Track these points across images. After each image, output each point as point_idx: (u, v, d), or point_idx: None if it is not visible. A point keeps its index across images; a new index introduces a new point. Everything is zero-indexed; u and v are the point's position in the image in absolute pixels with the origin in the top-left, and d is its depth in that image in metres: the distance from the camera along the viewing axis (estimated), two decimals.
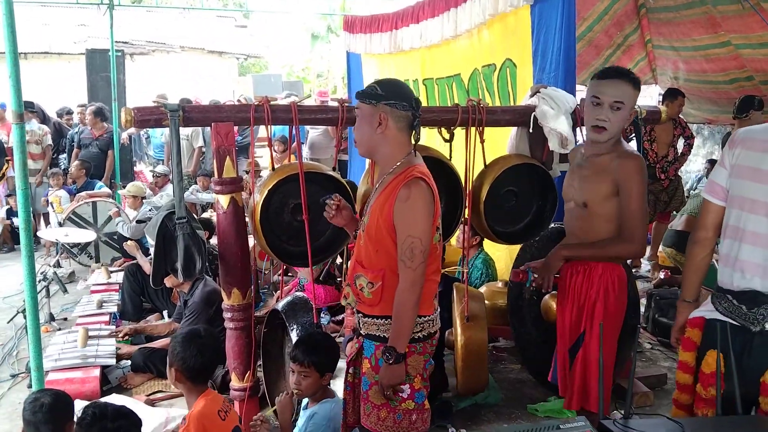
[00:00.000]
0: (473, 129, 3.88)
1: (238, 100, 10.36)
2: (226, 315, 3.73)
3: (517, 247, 4.63)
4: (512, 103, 5.17)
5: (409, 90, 2.63)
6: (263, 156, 10.37)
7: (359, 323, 2.70)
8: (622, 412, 2.23)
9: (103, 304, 5.71)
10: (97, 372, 4.42)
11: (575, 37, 4.59)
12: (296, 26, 23.56)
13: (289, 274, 6.19)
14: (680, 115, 6.80)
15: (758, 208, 2.25)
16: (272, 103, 3.66)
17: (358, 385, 2.74)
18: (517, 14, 5.01)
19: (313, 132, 9.00)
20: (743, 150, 2.31)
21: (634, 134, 4.29)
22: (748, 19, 5.85)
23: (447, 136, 3.90)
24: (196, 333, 2.99)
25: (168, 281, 4.59)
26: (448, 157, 3.89)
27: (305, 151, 8.88)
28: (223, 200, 3.61)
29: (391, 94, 2.52)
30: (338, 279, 5.47)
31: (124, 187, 8.17)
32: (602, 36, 6.91)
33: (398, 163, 2.57)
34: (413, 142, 2.60)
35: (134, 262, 5.91)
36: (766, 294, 2.25)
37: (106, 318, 5.39)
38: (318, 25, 23.28)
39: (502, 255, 5.36)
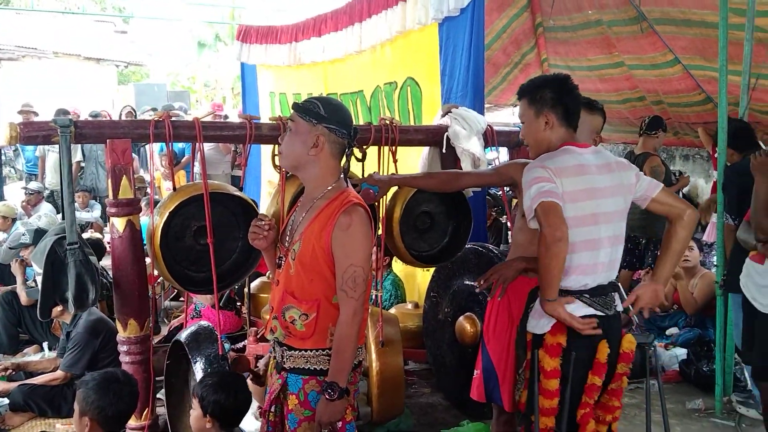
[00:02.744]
0: (386, 148, 3.79)
1: (129, 112, 9.80)
2: (122, 348, 3.45)
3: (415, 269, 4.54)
4: (412, 123, 5.12)
5: (350, 116, 2.52)
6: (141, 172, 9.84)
7: (282, 357, 2.50)
8: None
9: None
10: None
11: (484, 56, 4.60)
12: (181, 33, 22.69)
13: (181, 299, 5.83)
14: None
15: (610, 217, 2.59)
16: (173, 118, 3.47)
17: (279, 423, 2.55)
18: (423, 32, 4.96)
19: (205, 147, 8.60)
20: (565, 179, 2.53)
21: None
22: (641, 41, 6.08)
23: (359, 156, 3.77)
24: (113, 377, 2.74)
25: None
26: (361, 178, 3.76)
27: (196, 167, 8.44)
28: (119, 223, 3.35)
29: (333, 118, 2.39)
30: (238, 304, 5.20)
31: None
32: (500, 54, 7.01)
33: (329, 188, 2.44)
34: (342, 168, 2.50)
35: (9, 289, 5.39)
36: (607, 285, 2.64)
37: None
38: (205, 32, 22.50)
39: (403, 275, 5.28)
